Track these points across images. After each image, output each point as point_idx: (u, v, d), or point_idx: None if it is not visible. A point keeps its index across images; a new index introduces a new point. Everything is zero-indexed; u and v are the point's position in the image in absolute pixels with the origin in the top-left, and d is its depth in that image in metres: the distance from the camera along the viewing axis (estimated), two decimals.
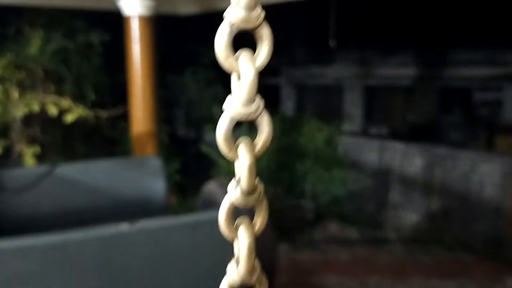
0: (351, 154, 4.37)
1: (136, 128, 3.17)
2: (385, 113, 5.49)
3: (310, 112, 5.11)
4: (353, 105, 5.37)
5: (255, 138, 0.41)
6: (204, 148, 4.20)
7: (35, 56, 3.59)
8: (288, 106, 5.96)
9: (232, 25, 0.38)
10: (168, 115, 5.05)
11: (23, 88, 3.53)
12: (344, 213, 4.20)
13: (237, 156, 0.40)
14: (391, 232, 4.07)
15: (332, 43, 3.18)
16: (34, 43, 3.59)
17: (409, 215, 4.05)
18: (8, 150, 3.57)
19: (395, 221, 4.12)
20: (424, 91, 5.00)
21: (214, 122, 4.49)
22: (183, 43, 4.98)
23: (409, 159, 4.03)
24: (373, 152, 4.26)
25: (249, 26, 0.38)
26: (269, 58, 0.40)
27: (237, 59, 0.39)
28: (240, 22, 0.38)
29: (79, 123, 3.59)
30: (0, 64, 3.48)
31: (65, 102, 3.39)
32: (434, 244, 3.79)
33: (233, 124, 0.39)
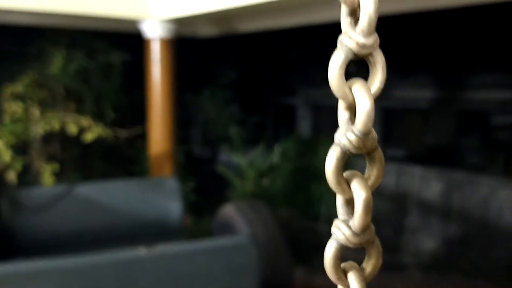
0: None
1: (154, 148, 3.19)
2: (402, 135, 5.46)
3: (326, 133, 5.10)
4: None
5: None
6: (220, 168, 4.21)
7: (56, 75, 3.66)
8: (304, 126, 5.96)
9: (347, 52, 0.35)
10: (184, 134, 5.08)
11: (44, 106, 3.59)
12: None
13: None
14: (408, 258, 4.00)
15: (350, 67, 3.17)
16: (56, 63, 3.65)
17: (426, 240, 3.99)
18: (27, 167, 3.62)
19: (412, 247, 4.06)
20: (441, 113, 4.97)
21: (230, 142, 4.51)
22: (201, 63, 5.03)
23: (427, 184, 3.98)
24: (390, 176, 4.23)
25: (364, 52, 0.36)
26: (383, 85, 0.37)
27: (350, 87, 0.36)
28: (358, 48, 0.35)
29: (98, 141, 3.62)
30: (22, 82, 3.54)
31: (85, 121, 3.43)
32: (452, 271, 3.72)
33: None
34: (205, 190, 4.55)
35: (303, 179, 4.16)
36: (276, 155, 4.26)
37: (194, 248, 1.84)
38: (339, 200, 0.37)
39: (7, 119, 3.42)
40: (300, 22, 2.98)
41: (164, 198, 2.72)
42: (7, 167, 3.21)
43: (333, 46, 0.37)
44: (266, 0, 2.33)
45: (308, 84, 5.96)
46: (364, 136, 0.35)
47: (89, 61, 3.73)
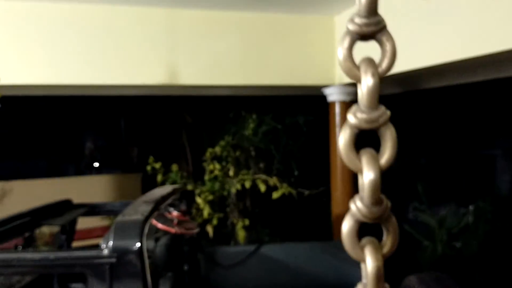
0: None
1: (336, 209, 3.23)
2: None
3: None
4: None
5: None
6: (406, 228, 4.02)
7: (249, 136, 4.03)
8: (505, 179, 5.34)
9: (352, 128, 0.39)
10: None
11: (238, 166, 3.96)
12: None
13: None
14: None
15: None
16: (249, 126, 4.03)
17: None
18: (222, 221, 3.99)
19: None
20: None
21: (417, 198, 4.28)
22: None
23: None
24: None
25: (373, 126, 0.39)
26: (394, 157, 0.40)
27: (360, 159, 0.39)
28: (363, 123, 0.38)
29: (283, 198, 3.83)
30: (220, 144, 3.99)
31: (272, 181, 3.67)
32: None
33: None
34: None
35: (503, 243, 3.70)
36: (470, 215, 3.90)
37: None
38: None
39: (206, 178, 3.87)
40: (487, 78, 2.77)
41: (345, 262, 2.71)
42: (205, 222, 3.60)
43: None
44: (449, 60, 2.25)
45: (509, 132, 5.37)
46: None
47: (277, 123, 4.02)
